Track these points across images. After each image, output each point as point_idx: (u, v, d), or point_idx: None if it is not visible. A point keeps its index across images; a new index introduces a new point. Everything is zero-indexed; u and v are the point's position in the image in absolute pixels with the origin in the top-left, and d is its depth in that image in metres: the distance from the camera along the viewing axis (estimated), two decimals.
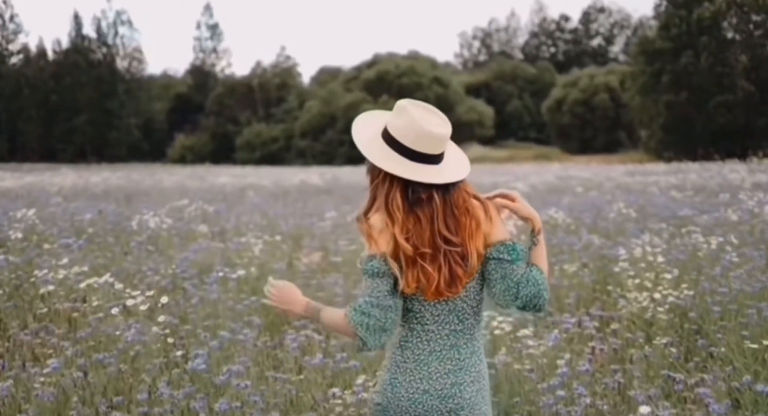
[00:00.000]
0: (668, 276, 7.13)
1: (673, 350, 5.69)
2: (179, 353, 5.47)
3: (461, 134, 71.56)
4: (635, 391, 4.72)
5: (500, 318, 5.76)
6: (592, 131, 68.60)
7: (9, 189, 21.81)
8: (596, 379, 5.20)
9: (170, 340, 6.03)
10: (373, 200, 2.82)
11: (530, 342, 5.52)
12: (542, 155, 62.87)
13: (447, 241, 2.74)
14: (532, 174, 29.91)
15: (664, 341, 5.81)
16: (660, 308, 6.66)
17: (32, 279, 7.68)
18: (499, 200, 2.86)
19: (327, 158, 59.22)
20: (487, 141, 70.93)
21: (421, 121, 2.74)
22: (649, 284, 7.06)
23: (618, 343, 6.00)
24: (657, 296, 6.74)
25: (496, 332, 5.63)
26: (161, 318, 5.86)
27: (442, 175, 2.75)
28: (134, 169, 44.92)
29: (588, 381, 5.09)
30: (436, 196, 2.74)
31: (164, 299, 6.18)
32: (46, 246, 9.04)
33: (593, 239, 9.78)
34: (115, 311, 5.90)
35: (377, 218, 2.76)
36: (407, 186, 2.74)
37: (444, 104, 73.18)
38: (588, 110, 68.63)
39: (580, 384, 4.87)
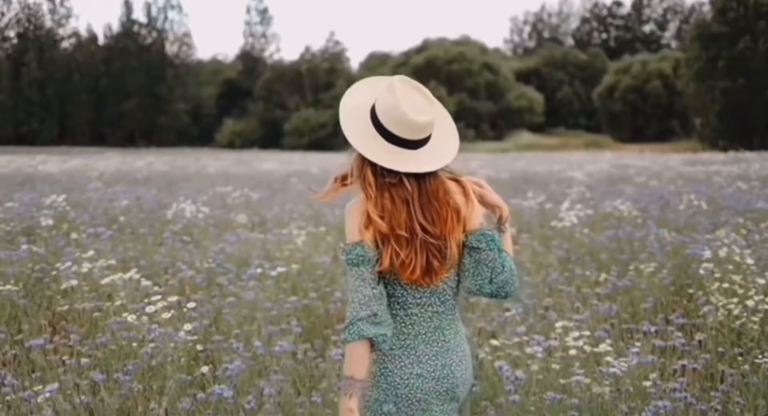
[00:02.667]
0: (762, 281, 6.27)
1: None
2: (205, 369, 4.77)
3: (511, 121, 70.76)
4: None
5: (575, 334, 4.98)
6: (644, 118, 67.41)
7: (50, 173, 21.38)
8: (688, 405, 4.41)
9: (199, 347, 5.36)
10: (351, 169, 2.76)
11: (610, 359, 4.74)
12: (593, 143, 61.75)
13: (425, 230, 2.68)
14: (586, 162, 28.87)
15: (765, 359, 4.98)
16: (754, 318, 5.82)
17: (54, 273, 7.06)
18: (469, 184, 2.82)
19: None
20: (536, 128, 70.11)
21: (403, 104, 2.66)
22: (739, 290, 6.21)
23: (706, 357, 5.21)
24: (750, 303, 5.89)
25: (571, 351, 4.84)
26: (187, 327, 5.13)
27: (411, 162, 2.68)
28: (181, 154, 44.51)
29: (682, 408, 4.31)
30: (406, 181, 2.68)
31: (191, 305, 5.45)
32: (74, 236, 8.42)
33: (664, 234, 8.94)
34: (133, 318, 5.19)
35: (357, 201, 2.72)
36: (376, 164, 2.68)
37: (494, 91, 72.51)
38: (640, 97, 67.47)
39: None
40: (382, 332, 2.66)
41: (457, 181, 2.78)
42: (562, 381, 4.65)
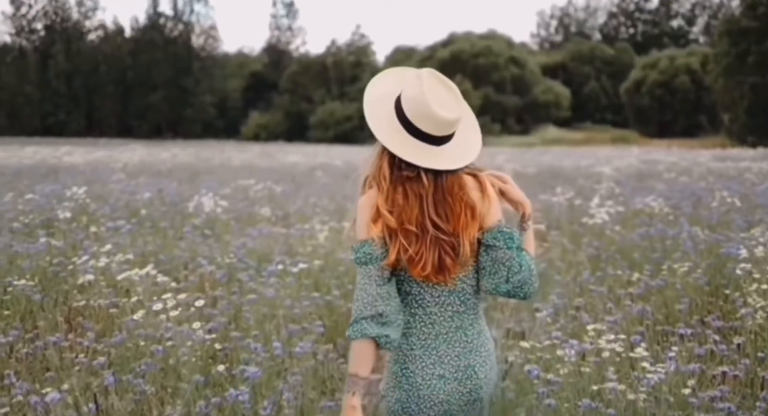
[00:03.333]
0: None
1: None
2: (222, 367, 4.58)
3: (537, 116, 70.31)
4: None
5: (611, 336, 4.74)
6: (671, 114, 66.82)
7: (74, 165, 21.32)
8: (730, 415, 4.17)
9: (217, 346, 5.17)
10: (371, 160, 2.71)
11: (646, 365, 4.50)
12: (620, 138, 61.18)
13: (436, 226, 2.60)
14: (613, 157, 28.51)
15: None
16: None
17: (70, 267, 6.90)
18: (491, 178, 2.74)
19: None
20: (562, 123, 69.63)
21: (430, 99, 2.57)
22: None
23: (746, 363, 4.97)
24: None
25: (605, 354, 4.60)
26: (199, 324, 4.94)
27: (434, 159, 2.60)
28: (206, 146, 44.43)
29: None
30: (423, 176, 2.60)
31: (209, 302, 5.26)
32: (93, 229, 8.26)
33: (697, 232, 8.66)
34: (149, 315, 5.00)
35: (368, 197, 2.65)
36: (395, 157, 2.61)
37: (520, 85, 72.05)
38: (668, 92, 66.84)
39: None
40: (386, 332, 2.58)
41: (474, 176, 2.69)
42: (595, 386, 4.42)
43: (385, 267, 2.61)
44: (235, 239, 8.91)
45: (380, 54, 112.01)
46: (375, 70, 66.32)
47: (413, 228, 2.60)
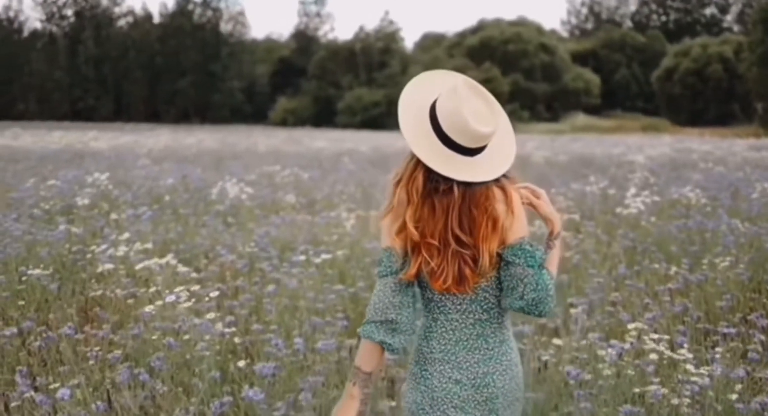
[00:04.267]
0: None
1: None
2: (241, 363, 4.35)
3: (567, 103, 69.69)
4: None
5: (653, 336, 4.45)
6: (703, 102, 66.05)
7: (99, 150, 21.20)
8: None
9: (237, 340, 4.94)
10: (405, 169, 2.67)
11: (690, 367, 4.21)
12: (650, 126, 60.44)
13: (458, 240, 2.59)
14: (645, 146, 28.03)
15: None
16: None
17: (88, 256, 6.69)
18: (523, 191, 2.72)
19: None
20: (592, 110, 68.91)
21: (466, 112, 2.54)
22: None
23: None
24: None
25: (651, 355, 4.32)
26: (218, 316, 4.70)
27: (469, 171, 2.58)
28: (234, 131, 44.28)
29: None
30: (456, 189, 2.58)
31: (217, 293, 5.02)
32: (113, 216, 8.05)
33: (736, 224, 8.32)
34: (166, 306, 4.77)
35: (396, 206, 2.64)
36: (431, 170, 2.58)
37: (550, 72, 71.43)
38: (700, 80, 66.03)
39: None
40: (392, 340, 2.64)
41: (503, 189, 2.64)
42: (636, 389, 4.14)
43: (403, 279, 2.63)
44: (259, 227, 8.68)
45: (409, 40, 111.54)
46: (403, 56, 66.03)
47: (435, 242, 2.60)
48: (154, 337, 4.71)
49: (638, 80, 76.10)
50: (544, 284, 2.61)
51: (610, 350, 4.36)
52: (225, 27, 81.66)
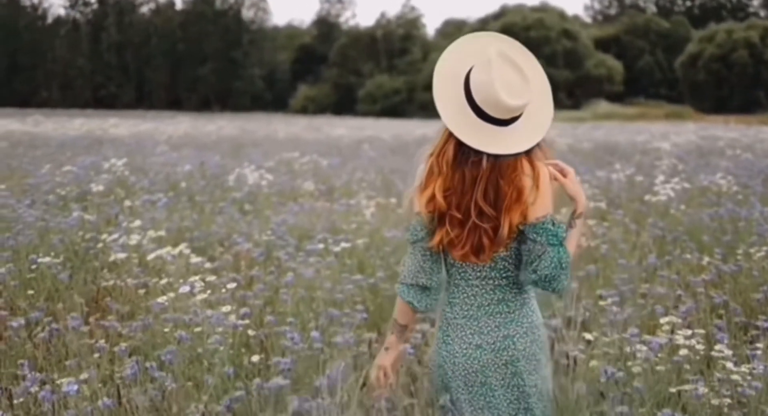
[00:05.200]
0: None
1: None
2: (255, 358, 4.13)
3: (589, 90, 69.06)
4: None
5: (688, 331, 4.20)
6: (728, 89, 65.31)
7: (119, 137, 21.05)
8: None
9: (250, 332, 4.73)
10: (438, 140, 2.73)
11: (729, 365, 3.96)
12: (674, 114, 59.83)
13: (480, 213, 2.65)
14: (670, 133, 27.57)
15: None
16: None
17: (100, 244, 6.50)
18: (551, 168, 2.73)
19: None
20: (615, 97, 68.25)
21: (497, 85, 2.56)
22: None
23: None
24: None
25: (682, 351, 4.06)
26: (232, 309, 4.49)
27: (499, 144, 2.61)
28: (254, 118, 44.08)
29: None
30: (485, 161, 2.63)
31: (232, 284, 4.81)
32: (128, 203, 7.86)
33: None
34: (178, 297, 4.57)
35: (427, 177, 2.71)
36: (462, 142, 2.63)
37: (572, 59, 70.84)
38: (725, 66, 65.31)
39: None
40: (419, 302, 2.83)
41: (531, 163, 2.67)
42: (672, 389, 3.90)
43: (428, 247, 2.76)
44: (276, 214, 8.46)
45: (430, 27, 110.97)
46: (425, 43, 65.80)
47: (458, 215, 2.67)
48: (165, 329, 4.51)
49: (662, 67, 75.34)
50: (557, 261, 2.65)
51: (642, 346, 4.11)
52: (246, 13, 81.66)
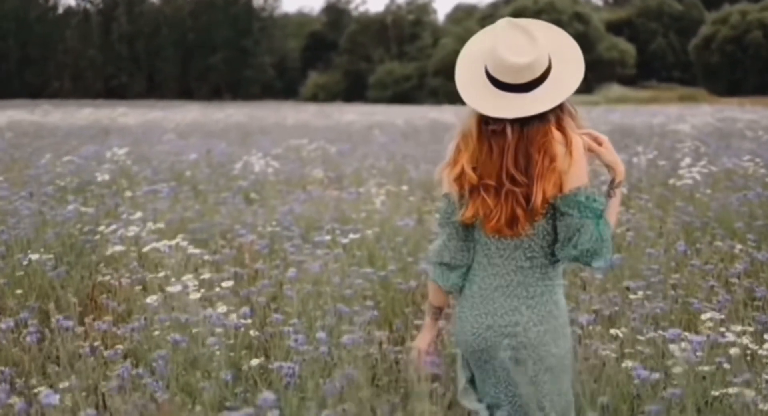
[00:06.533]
0: None
1: None
2: (254, 362, 3.79)
3: (601, 74, 68.38)
4: None
5: (738, 328, 3.82)
6: (742, 71, 64.81)
7: (126, 126, 20.75)
8: None
9: (253, 333, 4.38)
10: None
11: None
12: (687, 96, 59.36)
13: (512, 179, 2.61)
14: (686, 115, 27.13)
15: None
16: None
17: (97, 237, 6.17)
18: (585, 138, 2.69)
19: (460, 98, 57.07)
20: (627, 81, 67.74)
21: (501, 48, 2.55)
22: None
23: None
24: None
25: (733, 350, 3.69)
26: (231, 309, 4.15)
27: (519, 108, 2.57)
28: (263, 106, 43.72)
29: None
30: (508, 129, 2.60)
31: (229, 282, 4.46)
32: (128, 194, 7.53)
33: None
34: (173, 294, 4.22)
35: (455, 153, 2.71)
36: (482, 115, 2.64)
37: (584, 42, 69.70)
38: (739, 48, 64.82)
39: None
40: (444, 282, 2.82)
41: (563, 132, 2.63)
42: (714, 392, 3.53)
43: (458, 225, 2.74)
44: (282, 204, 8.11)
45: (440, 12, 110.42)
46: (435, 29, 65.72)
47: (492, 183, 2.62)
48: (156, 332, 4.16)
49: (675, 50, 74.71)
50: (599, 234, 2.59)
51: (680, 344, 3.73)
52: (257, 2, 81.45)
